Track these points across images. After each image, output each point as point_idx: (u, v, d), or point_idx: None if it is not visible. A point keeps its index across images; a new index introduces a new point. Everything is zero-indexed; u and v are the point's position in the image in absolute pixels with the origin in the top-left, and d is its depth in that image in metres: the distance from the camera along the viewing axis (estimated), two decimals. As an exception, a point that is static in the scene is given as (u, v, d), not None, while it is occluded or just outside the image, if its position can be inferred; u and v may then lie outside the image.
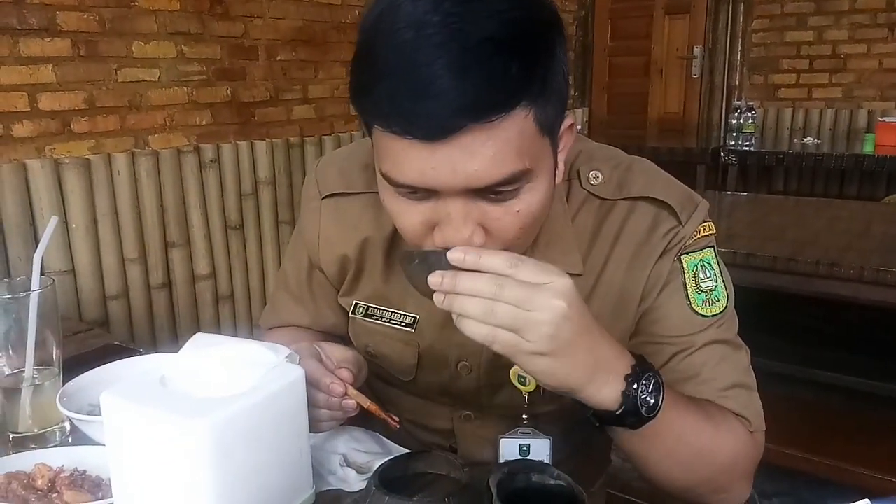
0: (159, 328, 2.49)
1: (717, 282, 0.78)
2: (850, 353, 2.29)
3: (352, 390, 0.71)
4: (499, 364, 0.82)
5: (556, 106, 0.64)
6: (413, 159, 0.60)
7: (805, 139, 4.03)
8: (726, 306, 0.79)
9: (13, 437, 0.80)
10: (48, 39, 2.11)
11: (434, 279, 0.60)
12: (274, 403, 0.61)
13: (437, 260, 0.60)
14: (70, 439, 0.81)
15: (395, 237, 0.84)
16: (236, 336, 2.73)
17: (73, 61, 2.17)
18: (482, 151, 0.59)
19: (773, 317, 2.49)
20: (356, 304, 0.90)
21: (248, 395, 0.60)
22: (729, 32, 4.38)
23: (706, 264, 0.78)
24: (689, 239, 0.78)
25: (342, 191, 0.88)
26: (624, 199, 0.78)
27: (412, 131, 0.58)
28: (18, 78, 2.06)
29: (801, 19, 4.19)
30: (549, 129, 0.64)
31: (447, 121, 0.57)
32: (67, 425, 0.82)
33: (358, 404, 0.72)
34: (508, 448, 0.82)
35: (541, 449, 0.81)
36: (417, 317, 0.86)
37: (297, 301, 0.97)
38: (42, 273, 0.79)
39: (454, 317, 0.60)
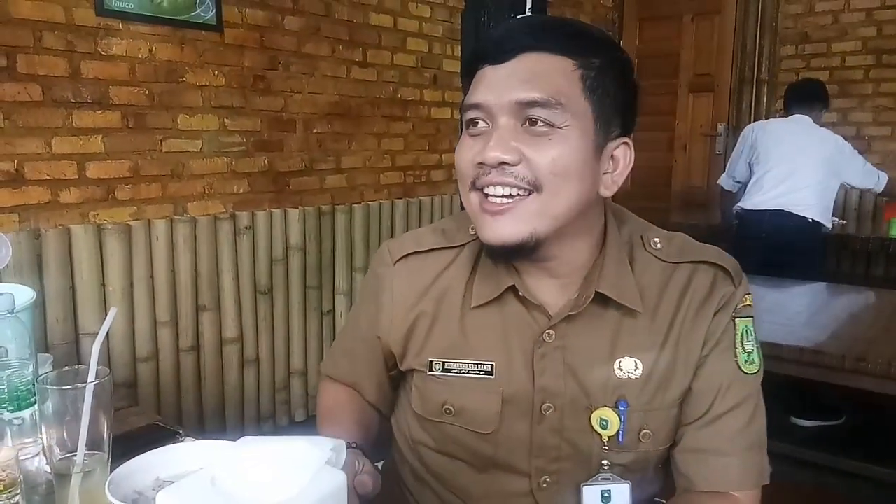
0: (185, 391, 2.52)
1: (754, 346, 0.90)
2: (882, 443, 2.25)
3: None
4: (580, 406, 0.87)
5: (610, 102, 0.82)
6: (482, 81, 0.82)
7: (831, 219, 4.03)
8: (759, 369, 0.90)
9: (60, 522, 0.82)
10: (100, 112, 2.23)
11: None
12: (319, 510, 0.64)
13: None
14: (113, 525, 0.84)
15: (468, 285, 0.92)
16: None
17: (121, 132, 2.28)
18: (529, 72, 0.79)
19: (803, 403, 2.46)
20: (431, 361, 0.92)
21: (295, 501, 0.62)
22: (753, 111, 4.46)
23: (748, 330, 0.89)
24: (741, 302, 0.89)
25: (415, 250, 0.96)
26: (686, 262, 0.90)
27: (487, 59, 0.82)
28: (69, 147, 2.17)
29: (824, 101, 4.26)
30: (598, 110, 0.81)
31: (510, 46, 0.81)
32: (112, 511, 0.84)
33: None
34: (590, 495, 0.88)
35: (621, 495, 0.87)
36: (494, 363, 0.89)
37: (347, 357, 1.04)
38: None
39: None
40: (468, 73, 0.86)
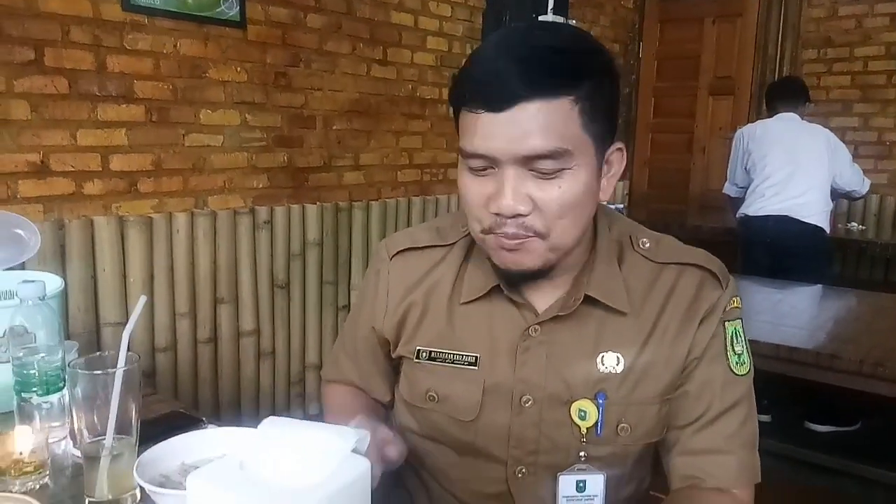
0: (202, 381, 2.56)
1: (744, 348, 0.92)
2: None
3: None
4: (560, 401, 0.89)
5: (603, 116, 0.81)
6: (481, 128, 0.78)
7: (850, 224, 4.02)
8: (750, 369, 0.92)
9: (89, 502, 0.85)
10: (124, 105, 2.26)
11: None
12: (344, 496, 0.65)
13: None
14: (138, 507, 0.86)
15: (457, 281, 0.95)
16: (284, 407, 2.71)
17: (144, 126, 2.31)
18: (531, 124, 0.76)
19: (819, 408, 2.45)
20: (419, 349, 0.96)
21: (322, 487, 0.64)
22: (773, 114, 4.42)
23: (738, 333, 0.91)
24: (728, 305, 0.90)
25: (410, 246, 1.00)
26: (674, 263, 0.92)
27: (481, 104, 0.77)
28: (94, 140, 2.21)
29: (846, 105, 4.23)
30: (595, 133, 0.80)
31: (506, 94, 0.76)
32: (138, 493, 0.87)
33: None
34: (566, 484, 0.90)
35: (595, 484, 0.90)
36: (478, 355, 0.93)
37: (350, 358, 1.08)
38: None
39: None
40: (456, 108, 0.83)
